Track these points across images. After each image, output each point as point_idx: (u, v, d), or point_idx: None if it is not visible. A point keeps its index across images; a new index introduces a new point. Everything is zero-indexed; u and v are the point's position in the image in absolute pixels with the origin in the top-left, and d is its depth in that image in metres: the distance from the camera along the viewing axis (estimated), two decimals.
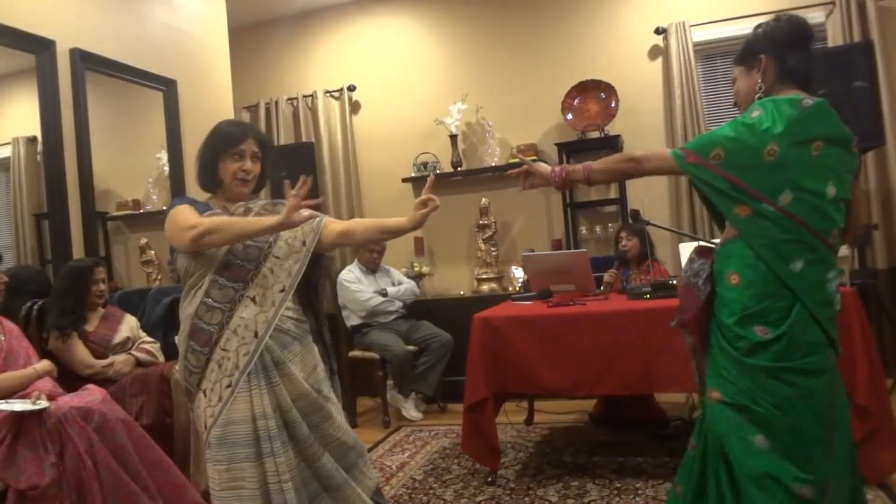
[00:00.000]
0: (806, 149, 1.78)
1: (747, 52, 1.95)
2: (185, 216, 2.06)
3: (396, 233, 2.20)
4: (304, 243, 2.15)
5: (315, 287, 2.32)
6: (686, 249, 3.91)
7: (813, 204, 1.78)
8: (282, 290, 2.11)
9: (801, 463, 1.75)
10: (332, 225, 2.20)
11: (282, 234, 2.14)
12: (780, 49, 1.88)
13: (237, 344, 2.04)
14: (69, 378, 2.99)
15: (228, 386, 2.03)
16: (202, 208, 2.15)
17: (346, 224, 2.22)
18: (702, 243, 2.24)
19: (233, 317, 2.05)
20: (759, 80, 1.90)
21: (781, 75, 1.88)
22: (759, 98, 1.88)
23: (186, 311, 2.12)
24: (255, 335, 2.05)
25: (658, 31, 5.08)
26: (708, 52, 5.11)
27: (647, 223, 3.68)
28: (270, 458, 2.01)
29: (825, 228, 1.79)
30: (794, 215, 1.76)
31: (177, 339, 3.61)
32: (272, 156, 2.31)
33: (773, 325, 1.77)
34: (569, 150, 5.16)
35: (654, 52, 5.18)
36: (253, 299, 2.07)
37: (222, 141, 2.18)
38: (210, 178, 2.22)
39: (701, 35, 5.00)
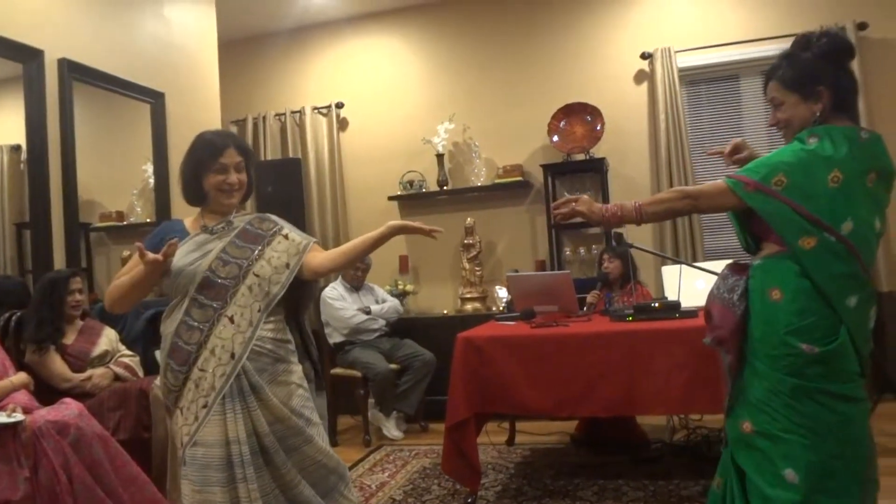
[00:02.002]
0: (863, 179, 1.75)
1: (803, 78, 1.83)
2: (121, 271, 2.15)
3: (372, 247, 2.16)
4: (287, 265, 2.13)
5: (300, 304, 2.30)
6: (669, 272, 3.94)
7: (866, 236, 1.74)
8: (260, 311, 2.08)
9: (835, 498, 1.70)
10: (317, 255, 2.18)
11: (265, 253, 2.13)
12: (837, 77, 1.81)
13: (214, 364, 2.02)
14: (46, 391, 2.95)
15: (204, 406, 2.01)
16: (179, 234, 2.14)
17: (321, 260, 2.17)
18: (709, 268, 2.19)
19: (210, 336, 2.03)
20: (818, 112, 1.81)
21: (835, 104, 1.82)
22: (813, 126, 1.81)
23: (168, 328, 2.10)
24: (232, 356, 2.03)
25: (644, 56, 5.15)
26: (692, 78, 5.19)
27: (630, 246, 3.70)
28: (243, 483, 1.97)
29: (870, 263, 1.77)
30: (852, 246, 1.72)
31: (157, 354, 3.59)
32: (255, 162, 2.29)
33: (820, 343, 1.71)
34: (554, 172, 5.20)
35: (640, 77, 5.25)
36: (231, 318, 2.05)
37: (203, 155, 2.16)
38: (194, 192, 2.20)
39: (686, 61, 5.07)
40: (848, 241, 1.71)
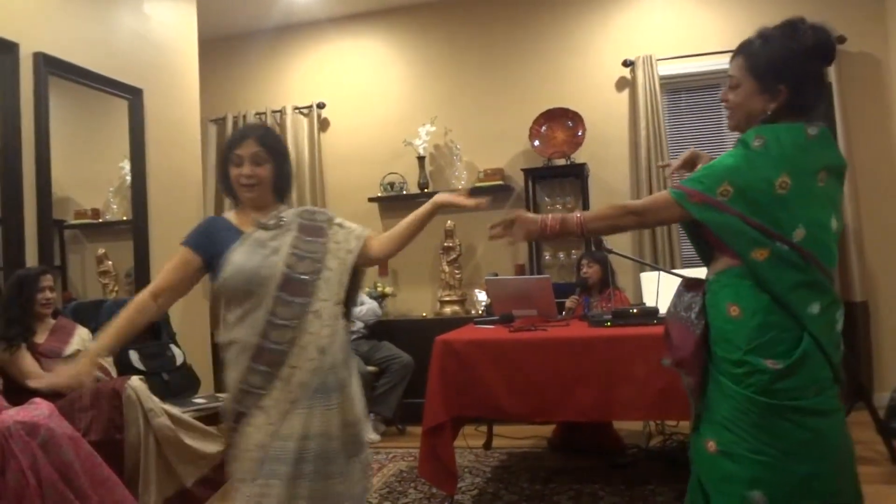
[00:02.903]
0: (813, 179, 1.67)
1: (769, 68, 1.71)
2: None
3: (422, 225, 2.16)
4: (350, 252, 2.10)
5: (352, 294, 2.23)
6: (647, 278, 3.97)
7: (821, 239, 1.66)
8: (338, 303, 2.04)
9: None
10: (373, 243, 2.15)
11: (329, 245, 2.09)
12: (804, 82, 1.71)
13: (305, 360, 1.96)
14: (16, 391, 2.89)
15: (293, 402, 1.94)
16: (227, 231, 2.07)
17: (378, 247, 2.15)
18: (687, 275, 2.09)
19: (302, 333, 1.97)
20: (769, 111, 1.72)
21: (790, 106, 1.72)
22: (760, 123, 1.73)
23: (242, 332, 1.99)
24: (322, 351, 1.98)
25: (626, 64, 5.18)
26: (673, 87, 5.23)
27: (609, 251, 3.71)
28: (301, 480, 1.91)
29: (831, 264, 1.68)
30: (808, 253, 1.64)
31: (131, 354, 3.53)
32: (284, 154, 2.16)
33: (782, 357, 1.62)
34: (535, 177, 5.21)
35: (622, 84, 5.28)
36: (317, 313, 1.99)
37: (225, 148, 2.11)
38: (226, 186, 2.14)
39: (667, 69, 5.12)
40: (802, 248, 1.64)
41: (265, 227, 2.08)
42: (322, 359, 1.98)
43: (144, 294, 2.05)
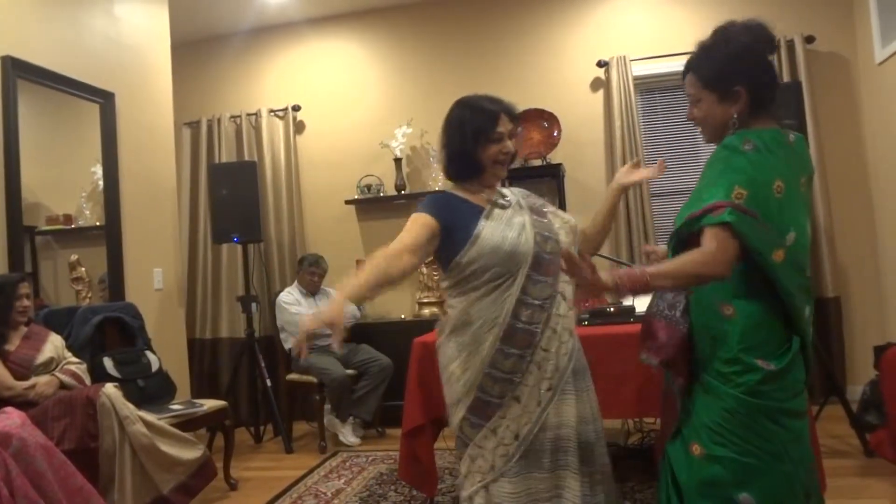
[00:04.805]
0: (797, 185, 1.70)
1: (721, 77, 1.74)
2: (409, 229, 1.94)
3: (615, 213, 2.21)
4: (569, 232, 2.09)
5: None
6: None
7: (804, 244, 1.69)
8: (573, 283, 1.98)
9: None
10: (585, 237, 2.16)
11: (553, 228, 2.05)
12: (756, 76, 1.73)
13: (557, 343, 1.91)
14: None
15: (549, 389, 1.89)
16: (464, 205, 2.02)
17: (589, 242, 2.17)
18: None
19: (552, 314, 1.92)
20: (735, 114, 1.74)
21: (755, 105, 1.74)
22: (734, 130, 1.74)
23: (492, 311, 1.91)
24: (571, 333, 1.94)
25: (600, 64, 5.22)
26: (647, 87, 5.28)
27: None
28: (565, 470, 1.88)
29: (807, 270, 1.72)
30: (797, 257, 1.67)
31: (105, 360, 3.48)
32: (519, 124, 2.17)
33: (773, 357, 1.64)
34: (512, 177, 5.21)
35: (596, 84, 5.32)
36: (563, 294, 1.95)
37: (481, 123, 2.04)
38: (468, 166, 2.06)
39: (640, 70, 5.16)
40: (792, 252, 1.66)
41: (501, 206, 2.03)
42: (573, 341, 1.95)
43: (392, 248, 1.89)
